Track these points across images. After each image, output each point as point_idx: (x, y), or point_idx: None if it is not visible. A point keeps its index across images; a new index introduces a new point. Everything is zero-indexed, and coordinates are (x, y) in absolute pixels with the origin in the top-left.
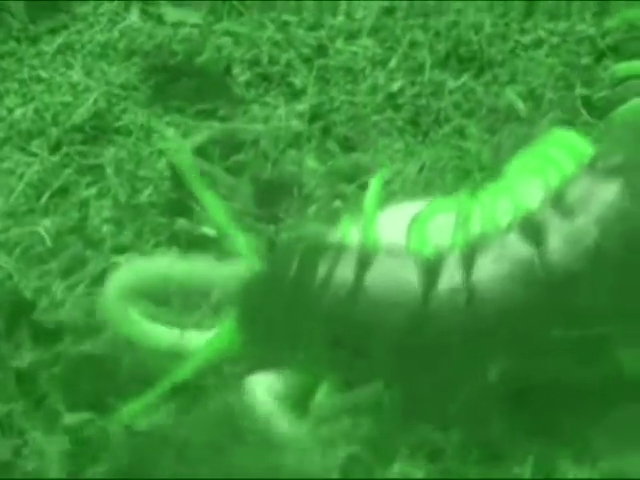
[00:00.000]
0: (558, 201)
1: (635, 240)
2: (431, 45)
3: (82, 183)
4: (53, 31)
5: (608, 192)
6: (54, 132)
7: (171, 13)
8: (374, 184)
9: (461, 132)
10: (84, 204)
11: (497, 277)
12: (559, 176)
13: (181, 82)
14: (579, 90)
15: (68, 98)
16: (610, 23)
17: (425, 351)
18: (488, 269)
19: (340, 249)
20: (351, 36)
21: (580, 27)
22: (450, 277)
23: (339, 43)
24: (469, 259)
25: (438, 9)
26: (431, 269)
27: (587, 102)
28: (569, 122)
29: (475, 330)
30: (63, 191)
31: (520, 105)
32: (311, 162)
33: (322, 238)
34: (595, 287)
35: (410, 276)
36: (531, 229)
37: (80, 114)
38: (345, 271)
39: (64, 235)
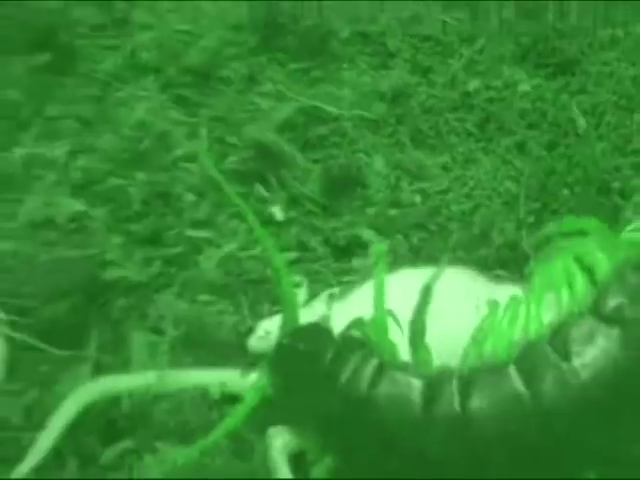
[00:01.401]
0: (558, 340)
1: (622, 390)
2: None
3: (177, 137)
4: None
5: (606, 339)
6: (168, 71)
7: None
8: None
9: (521, 147)
10: (173, 166)
11: (491, 409)
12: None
13: (287, 38)
14: (636, 116)
15: (189, 27)
16: None
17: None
18: (484, 399)
19: (366, 352)
20: (445, 8)
21: None
22: (449, 401)
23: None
24: (467, 386)
25: None
26: (432, 392)
27: None
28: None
29: (469, 455)
30: (160, 140)
31: (581, 122)
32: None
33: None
34: (578, 429)
35: (414, 395)
36: (528, 365)
37: (193, 55)
38: (365, 374)
39: (151, 200)
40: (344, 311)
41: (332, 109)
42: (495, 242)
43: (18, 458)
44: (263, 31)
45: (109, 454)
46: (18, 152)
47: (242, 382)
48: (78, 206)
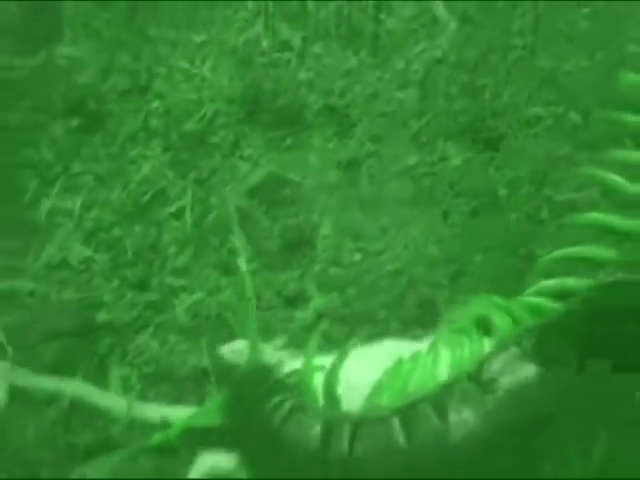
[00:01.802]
0: (439, 398)
1: (485, 457)
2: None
3: (170, 195)
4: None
5: (480, 405)
6: (170, 135)
7: None
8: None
9: (447, 214)
10: (163, 221)
11: (373, 455)
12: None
13: (268, 111)
14: (546, 190)
15: (192, 96)
16: (598, 115)
17: None
18: (367, 446)
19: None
20: (401, 86)
21: (572, 114)
22: (339, 444)
23: (390, 92)
24: (356, 432)
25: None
26: (328, 434)
27: (550, 202)
28: (530, 218)
29: None
30: (157, 196)
31: (501, 193)
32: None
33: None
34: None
35: (314, 435)
36: (410, 419)
37: (191, 124)
38: (281, 411)
39: (143, 250)
40: None
41: (295, 175)
42: (415, 302)
43: None
44: (250, 104)
45: None
46: (44, 204)
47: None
48: (87, 252)
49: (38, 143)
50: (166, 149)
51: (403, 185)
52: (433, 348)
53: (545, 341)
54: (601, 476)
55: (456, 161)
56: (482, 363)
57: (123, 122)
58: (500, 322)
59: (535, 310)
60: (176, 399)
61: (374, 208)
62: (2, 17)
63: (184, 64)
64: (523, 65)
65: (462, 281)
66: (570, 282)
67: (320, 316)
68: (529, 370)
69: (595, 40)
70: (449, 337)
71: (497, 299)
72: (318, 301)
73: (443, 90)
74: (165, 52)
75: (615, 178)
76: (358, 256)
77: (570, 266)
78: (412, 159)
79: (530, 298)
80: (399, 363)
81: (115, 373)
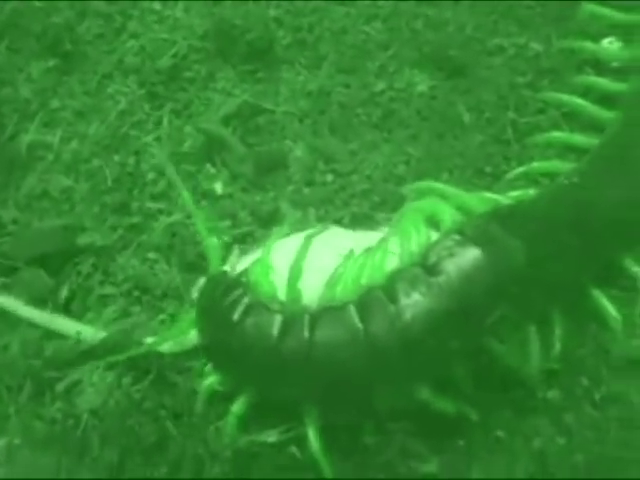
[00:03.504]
0: (390, 285)
1: (434, 332)
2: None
3: (147, 125)
4: None
5: (426, 287)
6: (145, 71)
7: None
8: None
9: (415, 137)
10: (141, 150)
11: (332, 338)
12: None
13: (239, 45)
14: (510, 114)
15: (165, 35)
16: (560, 44)
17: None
18: (326, 331)
19: (246, 290)
20: (368, 20)
21: (533, 44)
22: (300, 331)
23: (360, 25)
24: (315, 320)
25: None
26: (287, 324)
27: (514, 125)
28: (495, 139)
29: (312, 375)
30: (134, 128)
31: (466, 117)
32: None
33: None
34: (399, 357)
35: (274, 328)
36: (365, 305)
37: (166, 59)
38: (239, 307)
39: (122, 177)
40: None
41: (268, 105)
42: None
43: None
44: (222, 40)
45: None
46: (24, 138)
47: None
48: (67, 182)
49: (16, 82)
50: (142, 84)
51: (371, 111)
52: (382, 242)
53: (486, 227)
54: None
55: (422, 87)
56: (427, 250)
57: (99, 61)
58: (447, 216)
59: (487, 202)
60: (156, 313)
61: (344, 133)
62: None
63: (157, 6)
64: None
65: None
66: (531, 191)
67: (295, 232)
68: (471, 253)
69: None
70: (399, 231)
71: (449, 188)
72: (292, 217)
73: (409, 24)
74: None
75: (577, 100)
76: (330, 177)
77: (534, 181)
78: (379, 86)
79: (485, 193)
80: (350, 256)
81: (97, 292)
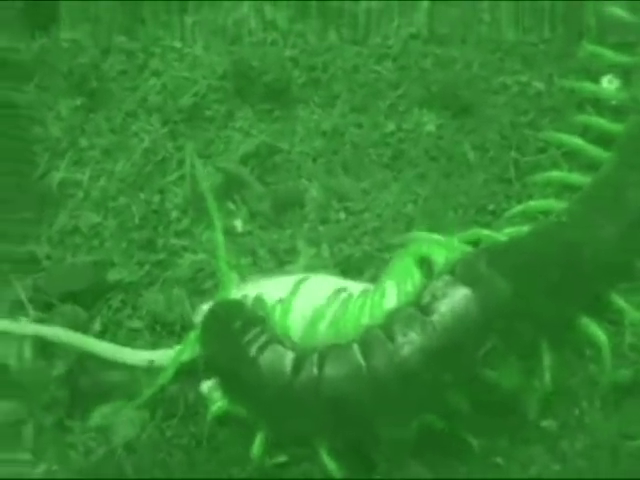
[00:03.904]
0: (388, 324)
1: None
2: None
3: (170, 164)
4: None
5: (421, 325)
6: (167, 109)
7: None
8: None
9: (423, 176)
10: (165, 188)
11: (339, 374)
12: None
13: (257, 86)
14: (513, 153)
15: (185, 74)
16: (562, 83)
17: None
18: (334, 367)
19: (263, 327)
20: (378, 60)
21: (536, 83)
22: (310, 368)
23: (371, 64)
24: (324, 358)
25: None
26: (299, 361)
27: (516, 164)
28: (498, 178)
29: (322, 407)
30: (158, 166)
31: (471, 156)
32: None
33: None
34: (399, 389)
35: (286, 364)
36: (366, 344)
37: (186, 99)
38: (257, 343)
39: (147, 216)
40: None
41: (285, 144)
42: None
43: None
44: (240, 80)
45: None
46: (55, 176)
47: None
48: (96, 219)
49: (45, 120)
50: (164, 123)
51: (382, 151)
52: (380, 284)
53: (475, 266)
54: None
55: (430, 127)
56: (421, 291)
57: (123, 99)
58: (439, 258)
59: (475, 242)
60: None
61: (356, 172)
62: (5, 5)
63: (177, 44)
64: (491, 38)
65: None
66: (524, 228)
67: (309, 269)
68: (461, 292)
69: (557, 14)
70: (394, 275)
71: (437, 236)
72: (308, 253)
73: (418, 62)
74: (159, 33)
75: (575, 140)
76: (343, 215)
77: (531, 219)
78: (390, 127)
79: (482, 231)
80: (349, 298)
81: (126, 326)
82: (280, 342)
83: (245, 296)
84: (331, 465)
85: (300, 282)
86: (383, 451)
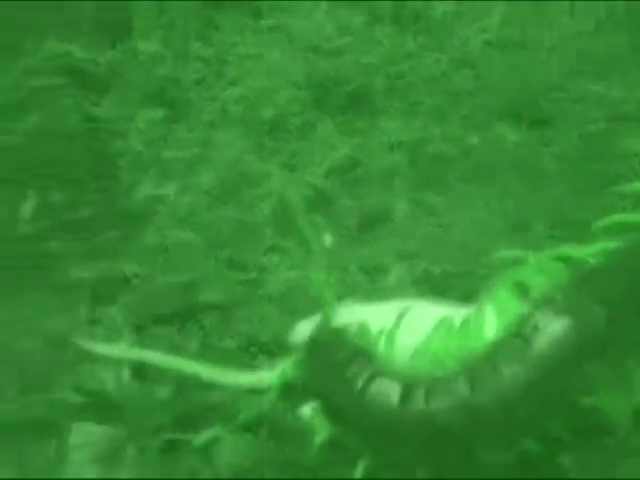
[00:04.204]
0: (492, 356)
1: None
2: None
3: (256, 178)
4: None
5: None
6: (250, 121)
7: None
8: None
9: (506, 191)
10: (251, 203)
11: (447, 407)
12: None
13: (336, 96)
14: (596, 164)
15: (265, 83)
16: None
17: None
18: (442, 401)
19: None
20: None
21: (615, 90)
22: (418, 401)
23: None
24: (431, 391)
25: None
26: (406, 394)
27: (600, 175)
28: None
29: (431, 440)
30: (244, 179)
31: (553, 168)
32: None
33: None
34: (505, 422)
35: (393, 397)
36: (472, 376)
37: (268, 109)
38: (362, 376)
39: (235, 231)
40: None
41: (366, 157)
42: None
43: None
44: (319, 89)
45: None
46: (141, 190)
47: (271, 379)
48: (183, 235)
49: (126, 134)
50: (247, 135)
51: (465, 163)
52: (479, 314)
53: (574, 298)
54: None
55: (512, 138)
56: (522, 323)
57: (202, 109)
58: (534, 282)
59: (566, 260)
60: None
61: (440, 186)
62: (78, 16)
63: (253, 50)
64: (565, 42)
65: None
66: (611, 244)
67: (400, 284)
68: (562, 324)
69: (636, 17)
70: (493, 301)
71: (529, 257)
72: (398, 270)
73: (496, 70)
74: (234, 39)
75: None
76: (431, 230)
77: (617, 232)
78: (472, 138)
79: (562, 249)
80: (450, 328)
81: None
82: (386, 375)
83: (347, 325)
84: None
85: (403, 313)
86: (483, 476)
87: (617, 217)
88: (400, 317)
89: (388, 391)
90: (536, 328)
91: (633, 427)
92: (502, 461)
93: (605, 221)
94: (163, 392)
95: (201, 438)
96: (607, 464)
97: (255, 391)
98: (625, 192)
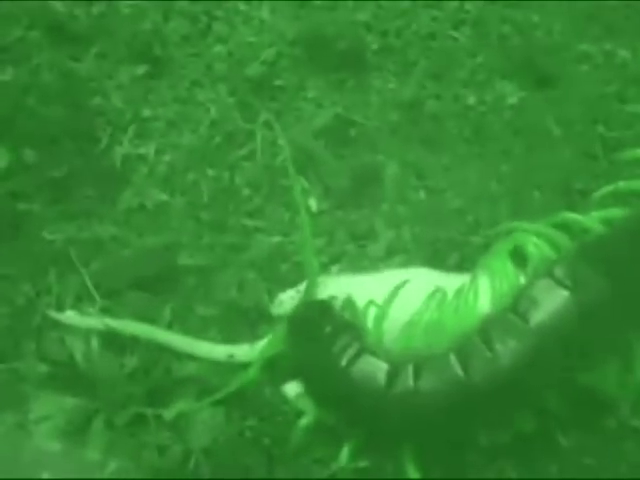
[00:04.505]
0: (484, 331)
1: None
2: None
3: (239, 138)
4: None
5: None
6: (235, 79)
7: None
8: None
9: (505, 152)
10: (235, 164)
11: (437, 387)
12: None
13: (328, 53)
14: (599, 127)
15: (252, 39)
16: None
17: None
18: (431, 380)
19: (354, 335)
20: (455, 26)
21: (621, 51)
22: (406, 380)
23: (447, 29)
24: (420, 370)
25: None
26: (394, 373)
27: (603, 139)
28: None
29: (418, 421)
30: (227, 139)
31: (555, 130)
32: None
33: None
34: (498, 401)
35: (380, 376)
36: (464, 354)
37: (255, 67)
38: (348, 353)
39: (216, 194)
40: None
41: (359, 116)
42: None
43: None
44: (311, 46)
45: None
46: (119, 150)
47: (251, 352)
48: (163, 196)
49: (106, 91)
50: (232, 93)
51: (463, 124)
52: (473, 285)
53: (575, 269)
54: None
55: (512, 99)
56: (519, 295)
57: (187, 66)
58: (532, 250)
59: (567, 228)
60: (251, 336)
61: (435, 146)
62: None
63: (242, 6)
64: (570, 2)
65: (522, 217)
66: (616, 211)
67: (390, 252)
68: (561, 297)
69: None
70: (487, 272)
71: (528, 225)
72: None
73: (496, 28)
74: None
75: None
76: (423, 194)
77: (621, 199)
78: (470, 98)
79: (561, 216)
80: (442, 301)
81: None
82: (373, 352)
83: (333, 297)
84: (414, 473)
85: (399, 287)
86: (479, 455)
87: (622, 184)
88: (395, 291)
89: (375, 370)
90: (533, 301)
91: (633, 408)
92: (497, 442)
93: (609, 188)
94: (134, 362)
95: (172, 412)
96: (606, 446)
97: (233, 364)
98: (630, 158)
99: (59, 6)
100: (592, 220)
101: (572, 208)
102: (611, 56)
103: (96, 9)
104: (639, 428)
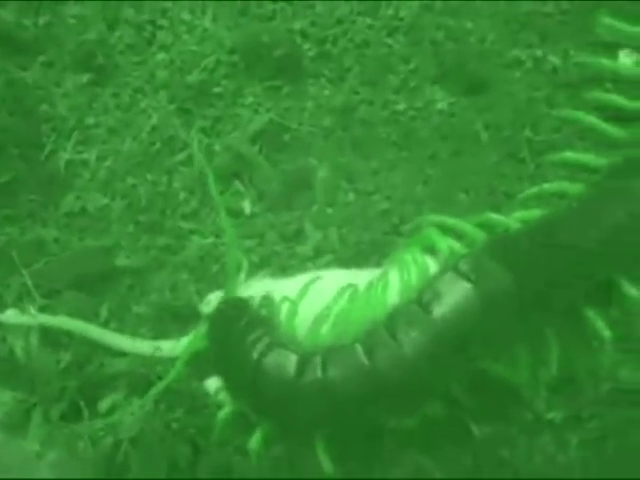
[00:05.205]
0: (390, 321)
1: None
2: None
3: (177, 143)
4: None
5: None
6: (175, 86)
7: None
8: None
9: (433, 156)
10: (173, 169)
11: (343, 376)
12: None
13: (266, 60)
14: (526, 132)
15: (195, 48)
16: (577, 58)
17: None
18: (338, 369)
19: (267, 329)
20: (390, 33)
21: (551, 57)
22: (314, 370)
23: (382, 37)
24: (327, 360)
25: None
26: (303, 364)
27: (530, 143)
28: (511, 158)
29: (327, 408)
30: (166, 145)
31: (483, 135)
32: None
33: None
34: (400, 386)
35: (289, 367)
36: (369, 344)
37: (194, 75)
38: (259, 346)
39: (154, 198)
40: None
41: (293, 122)
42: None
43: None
44: (249, 54)
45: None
46: (62, 156)
47: (176, 348)
48: (104, 200)
49: (52, 99)
50: (172, 100)
51: (392, 129)
52: (383, 277)
53: (479, 262)
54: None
55: (442, 105)
56: (424, 288)
57: (130, 74)
58: (443, 245)
59: (486, 227)
60: (181, 334)
61: (366, 151)
62: None
63: (186, 15)
64: (505, 9)
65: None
66: (536, 212)
67: (318, 252)
68: (464, 289)
69: None
70: (398, 265)
71: (447, 219)
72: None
73: (430, 36)
74: (167, 5)
75: (590, 118)
76: (352, 196)
77: (545, 201)
78: (401, 104)
79: (491, 215)
80: (353, 294)
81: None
82: (283, 344)
83: (252, 296)
84: (326, 460)
85: (309, 284)
86: (387, 442)
87: (546, 186)
88: (306, 288)
89: (285, 362)
90: (437, 293)
91: (549, 401)
92: (405, 426)
93: (533, 190)
94: (68, 358)
95: (104, 405)
96: (521, 438)
97: (162, 360)
98: (553, 161)
99: (7, 16)
100: (513, 220)
101: (497, 210)
102: (541, 62)
103: (43, 19)
104: (555, 421)
